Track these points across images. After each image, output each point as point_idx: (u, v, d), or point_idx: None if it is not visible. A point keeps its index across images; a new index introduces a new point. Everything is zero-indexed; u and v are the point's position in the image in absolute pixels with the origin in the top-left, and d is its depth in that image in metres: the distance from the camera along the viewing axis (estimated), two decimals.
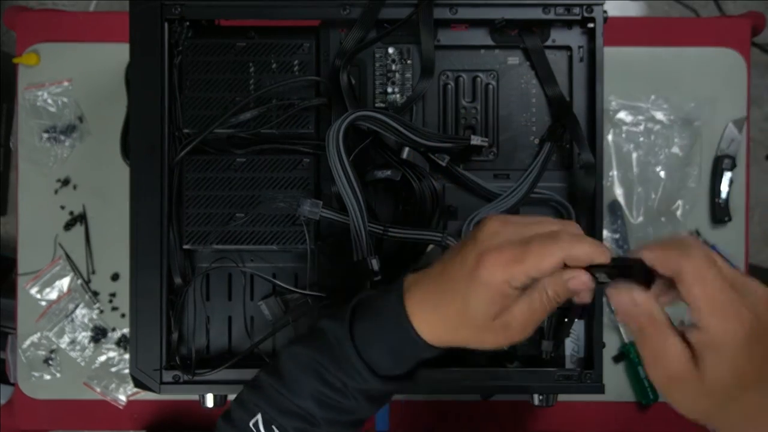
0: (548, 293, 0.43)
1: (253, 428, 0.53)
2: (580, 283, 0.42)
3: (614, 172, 0.93)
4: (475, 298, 0.44)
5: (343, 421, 0.53)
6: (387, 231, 0.62)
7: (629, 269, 0.40)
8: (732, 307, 0.37)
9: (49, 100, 0.92)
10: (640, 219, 0.92)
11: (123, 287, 0.92)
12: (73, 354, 0.91)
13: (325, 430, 0.53)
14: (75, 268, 0.92)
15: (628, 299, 0.40)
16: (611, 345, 0.91)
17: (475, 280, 0.43)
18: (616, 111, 0.92)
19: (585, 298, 0.43)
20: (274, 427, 0.52)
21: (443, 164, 0.66)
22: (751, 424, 0.39)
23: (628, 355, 0.90)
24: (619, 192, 0.93)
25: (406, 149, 0.66)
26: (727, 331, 0.37)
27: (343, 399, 0.52)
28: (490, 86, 0.70)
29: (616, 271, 0.41)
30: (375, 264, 0.61)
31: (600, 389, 0.67)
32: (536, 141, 0.70)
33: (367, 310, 0.52)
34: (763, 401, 0.38)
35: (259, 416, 0.53)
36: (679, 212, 0.92)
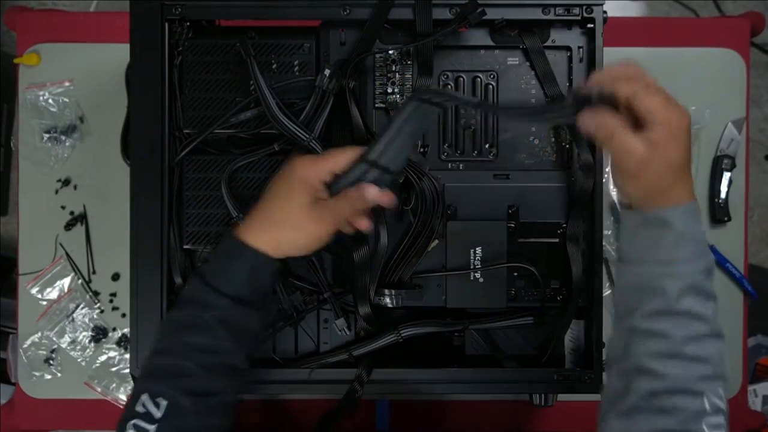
0: (353, 194, 0.58)
1: (139, 410, 0.52)
2: (372, 193, 0.58)
3: (610, 170, 0.93)
4: (295, 191, 0.58)
5: (217, 364, 0.55)
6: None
7: (596, 100, 0.53)
8: (678, 107, 0.52)
9: (50, 100, 0.92)
10: None
11: (123, 287, 0.92)
12: (73, 354, 0.91)
13: (204, 379, 0.54)
14: (75, 268, 0.92)
15: (600, 117, 0.53)
16: None
17: (292, 178, 0.58)
18: None
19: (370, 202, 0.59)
20: (159, 399, 0.52)
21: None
22: (687, 191, 0.54)
23: None
24: (614, 190, 0.93)
25: None
26: (680, 121, 0.52)
27: (206, 338, 0.54)
28: (490, 86, 0.70)
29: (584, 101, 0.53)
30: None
31: (600, 389, 0.67)
32: (536, 141, 0.71)
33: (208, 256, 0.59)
34: (682, 171, 0.53)
35: (143, 396, 0.53)
36: None
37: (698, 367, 0.52)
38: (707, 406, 0.51)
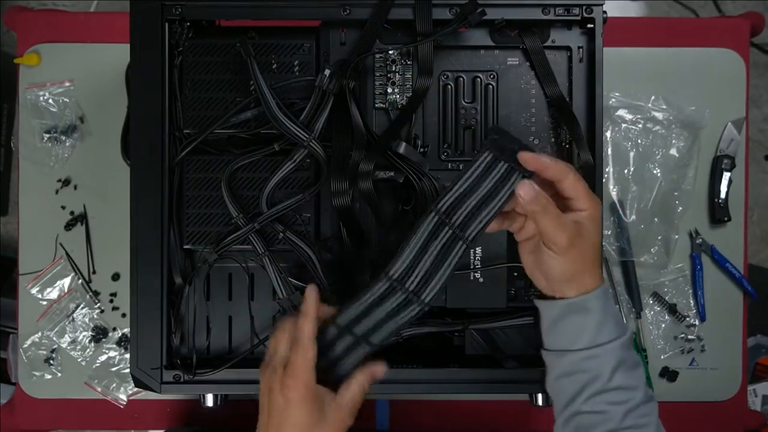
0: (353, 385, 0.57)
1: None
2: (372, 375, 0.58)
3: (610, 169, 0.93)
4: (300, 412, 0.55)
5: None
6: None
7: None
8: (596, 198, 0.58)
9: (51, 100, 0.92)
10: (633, 218, 0.92)
11: (124, 287, 0.92)
12: (73, 353, 0.91)
13: None
14: (76, 268, 0.92)
15: (532, 189, 0.56)
16: None
17: (290, 404, 0.55)
18: (616, 108, 0.93)
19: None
20: None
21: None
22: (598, 275, 0.59)
23: None
24: (613, 189, 0.93)
25: (403, 144, 0.66)
26: (597, 209, 0.58)
27: None
28: (490, 87, 0.70)
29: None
30: None
31: None
32: (536, 141, 0.71)
33: None
34: (599, 255, 0.60)
35: None
36: (672, 213, 0.92)
37: None
38: None
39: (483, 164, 0.56)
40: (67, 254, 0.92)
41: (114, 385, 0.91)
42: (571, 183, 0.56)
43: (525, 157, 0.56)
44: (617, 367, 0.57)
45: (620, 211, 0.92)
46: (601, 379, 0.57)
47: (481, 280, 0.69)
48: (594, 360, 0.57)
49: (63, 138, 0.92)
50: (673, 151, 0.93)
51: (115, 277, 0.92)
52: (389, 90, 0.70)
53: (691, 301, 0.93)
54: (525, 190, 0.55)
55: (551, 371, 0.61)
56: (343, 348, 0.58)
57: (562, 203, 0.58)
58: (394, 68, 0.70)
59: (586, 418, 0.57)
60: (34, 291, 0.92)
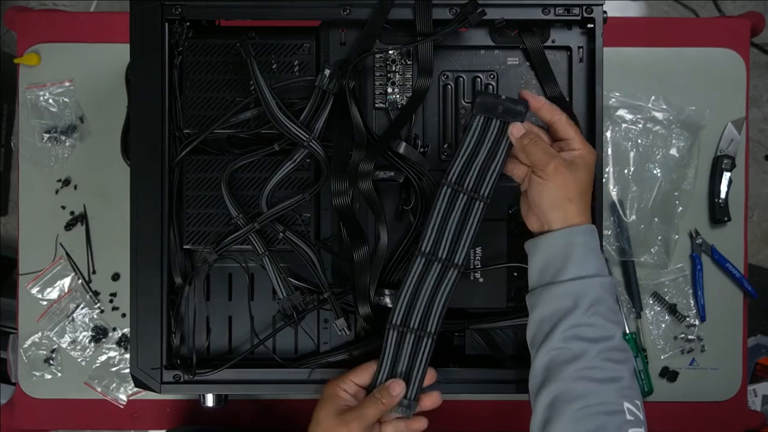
0: (383, 402, 0.61)
1: None
2: (396, 390, 0.62)
3: (610, 169, 0.93)
4: (323, 405, 0.63)
5: None
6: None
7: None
8: (590, 146, 0.62)
9: (50, 100, 0.92)
10: (633, 218, 0.92)
11: (124, 287, 0.92)
12: (73, 354, 0.91)
13: None
14: (76, 268, 0.92)
15: (522, 126, 0.61)
16: None
17: (322, 397, 0.64)
18: (616, 108, 0.93)
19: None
20: None
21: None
22: (587, 215, 0.61)
23: None
24: (613, 189, 0.93)
25: (403, 144, 0.66)
26: (590, 155, 0.61)
27: None
28: (490, 87, 0.70)
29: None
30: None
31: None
32: None
33: None
34: (587, 195, 0.62)
35: None
36: (672, 213, 0.92)
37: (615, 382, 0.56)
38: (628, 416, 0.55)
39: (478, 128, 0.62)
40: (67, 254, 0.92)
41: (114, 385, 0.91)
42: (564, 125, 0.61)
43: (525, 93, 0.62)
44: (595, 303, 0.57)
45: (620, 211, 0.92)
46: (579, 310, 0.57)
47: (481, 280, 0.69)
48: (574, 292, 0.58)
49: (63, 138, 0.92)
50: (673, 151, 0.93)
51: (115, 277, 0.92)
52: (389, 90, 0.70)
53: (691, 301, 0.93)
54: (516, 128, 0.61)
55: (533, 312, 0.60)
56: (409, 351, 0.62)
57: (560, 147, 0.62)
58: (394, 68, 0.70)
59: (561, 354, 0.57)
60: (34, 291, 0.92)
